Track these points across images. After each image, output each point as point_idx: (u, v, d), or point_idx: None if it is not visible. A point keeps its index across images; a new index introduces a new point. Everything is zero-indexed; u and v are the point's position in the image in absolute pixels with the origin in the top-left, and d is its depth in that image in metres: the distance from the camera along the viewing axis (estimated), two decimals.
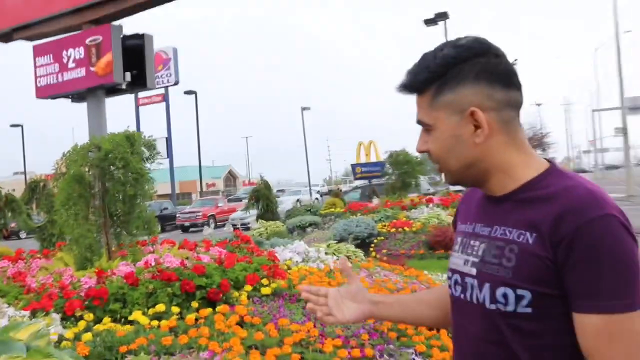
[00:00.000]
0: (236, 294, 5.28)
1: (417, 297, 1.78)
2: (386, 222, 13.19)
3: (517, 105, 1.36)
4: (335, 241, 8.31)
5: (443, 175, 1.44)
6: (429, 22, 28.60)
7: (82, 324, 4.54)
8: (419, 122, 1.39)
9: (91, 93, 13.61)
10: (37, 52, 14.07)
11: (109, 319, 4.69)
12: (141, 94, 46.81)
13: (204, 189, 56.65)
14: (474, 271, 1.35)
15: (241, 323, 4.70)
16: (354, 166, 29.38)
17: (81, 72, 13.55)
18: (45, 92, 14.36)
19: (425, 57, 1.37)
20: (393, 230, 12.56)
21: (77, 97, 14.33)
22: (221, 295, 5.15)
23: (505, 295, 1.26)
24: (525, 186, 1.33)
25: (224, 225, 31.96)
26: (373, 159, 28.55)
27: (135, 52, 13.64)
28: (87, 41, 13.34)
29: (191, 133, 56.20)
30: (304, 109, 48.84)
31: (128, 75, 13.42)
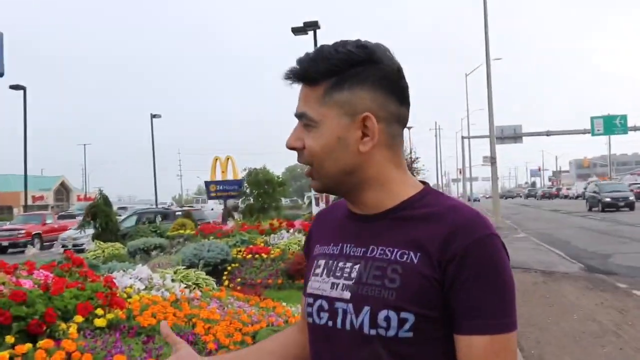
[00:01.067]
0: (64, 326, 4.97)
1: (258, 347, 1.73)
2: (242, 247, 13.13)
3: (404, 123, 1.41)
4: (184, 267, 8.11)
5: (313, 180, 1.43)
6: (297, 31, 29.01)
7: None
8: (301, 115, 1.37)
9: None
10: None
11: None
12: None
13: (30, 202, 53.61)
14: (347, 295, 1.35)
15: None
16: (207, 183, 28.94)
17: None
18: None
19: (323, 49, 1.37)
20: (249, 256, 12.50)
21: None
22: (45, 327, 4.84)
23: (387, 319, 1.28)
24: (404, 204, 1.38)
25: (52, 246, 30.45)
26: (230, 177, 28.34)
27: None
28: None
29: (16, 135, 53.13)
30: (153, 115, 47.55)
31: None
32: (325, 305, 1.39)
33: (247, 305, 7.09)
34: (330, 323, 1.37)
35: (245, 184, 19.76)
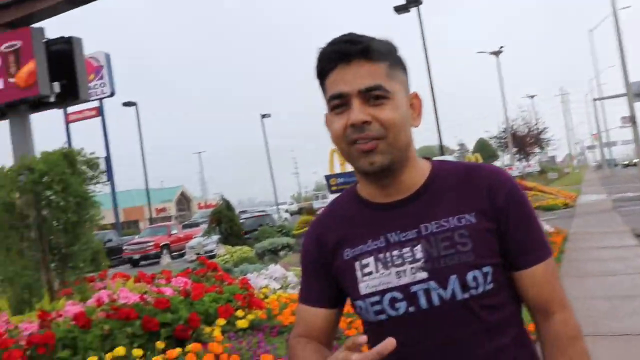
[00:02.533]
0: (208, 329, 5.19)
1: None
2: None
3: None
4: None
5: (378, 155, 1.45)
6: (400, 9, 28.80)
7: None
8: (375, 87, 1.44)
9: (12, 109, 13.10)
10: None
11: None
12: (71, 109, 45.80)
13: (154, 214, 55.96)
14: (423, 275, 1.45)
15: None
16: (328, 177, 29.03)
17: None
18: None
19: (364, 35, 1.50)
20: None
21: None
22: (190, 332, 5.06)
23: (475, 278, 1.43)
24: (430, 179, 1.55)
25: (180, 256, 31.56)
26: (349, 169, 28.32)
27: (62, 59, 13.20)
28: (2, 48, 12.95)
29: (133, 152, 55.58)
30: (263, 116, 48.29)
31: (57, 85, 12.96)
32: (399, 295, 1.47)
33: None
34: (411, 309, 1.46)
35: None
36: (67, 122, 46.81)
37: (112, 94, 43.93)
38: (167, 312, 5.13)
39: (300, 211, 45.80)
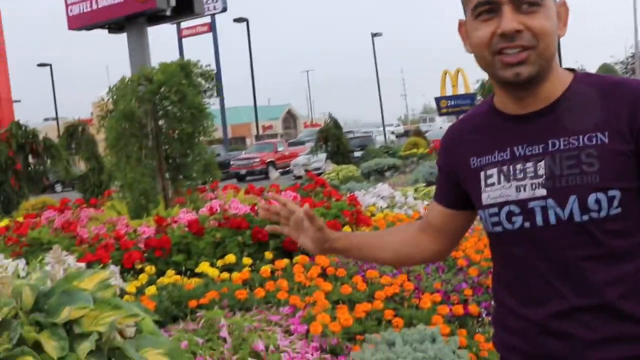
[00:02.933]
0: None
1: (380, 234, 2.02)
2: None
3: None
4: (424, 184, 8.23)
5: (528, 65, 1.42)
6: None
7: (143, 277, 4.67)
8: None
9: (131, 22, 13.45)
10: None
11: (173, 271, 4.80)
12: (184, 24, 46.48)
13: (260, 132, 56.83)
14: (542, 192, 1.43)
15: (324, 275, 4.73)
16: (438, 99, 28.51)
17: None
18: (78, 23, 14.32)
19: None
20: None
21: (114, 27, 14.26)
22: (298, 244, 5.19)
23: (598, 201, 1.38)
24: (567, 93, 1.47)
25: (286, 173, 32.06)
26: (461, 91, 27.69)
27: None
28: None
29: (242, 69, 56.32)
30: (374, 35, 47.55)
31: (173, 0, 13.21)
32: (516, 209, 1.46)
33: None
34: (527, 224, 1.45)
35: (479, 97, 19.13)
36: (180, 38, 47.61)
37: (224, 10, 44.17)
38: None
39: (406, 133, 45.40)
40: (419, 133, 21.30)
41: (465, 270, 5.12)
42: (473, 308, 4.57)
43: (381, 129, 44.50)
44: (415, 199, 7.31)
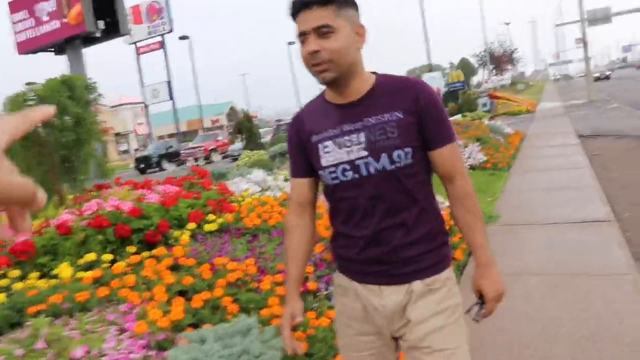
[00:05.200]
0: (178, 233, 4.52)
1: (297, 257, 1.86)
2: None
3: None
4: None
5: (327, 73, 1.60)
6: None
7: (3, 282, 3.80)
8: (323, 26, 1.56)
9: (69, 44, 12.55)
10: (13, 8, 12.95)
11: (37, 273, 3.95)
12: (140, 44, 45.26)
13: (210, 125, 55.48)
14: (364, 153, 1.62)
15: (177, 266, 3.97)
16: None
17: (56, 24, 12.54)
18: (25, 47, 13.33)
19: None
20: None
21: (58, 49, 13.26)
22: (160, 236, 4.40)
23: (399, 155, 1.61)
24: (374, 87, 1.67)
25: (226, 156, 31.21)
26: None
27: (105, 1, 12.48)
28: None
29: (196, 73, 54.89)
30: (290, 43, 47.16)
31: (101, 23, 12.28)
32: (347, 166, 1.64)
33: None
34: (356, 175, 1.64)
35: None
36: (138, 55, 46.03)
37: (170, 30, 43.59)
38: (142, 219, 4.47)
39: None
40: None
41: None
42: (312, 285, 3.88)
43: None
44: (286, 180, 6.57)
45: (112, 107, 63.21)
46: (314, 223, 1.88)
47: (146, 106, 47.50)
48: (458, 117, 19.32)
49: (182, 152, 34.63)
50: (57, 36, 12.41)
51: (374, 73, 1.70)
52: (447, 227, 1.88)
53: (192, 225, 4.60)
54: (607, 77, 66.97)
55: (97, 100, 5.70)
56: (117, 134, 63.88)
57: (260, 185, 6.09)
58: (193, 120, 68.06)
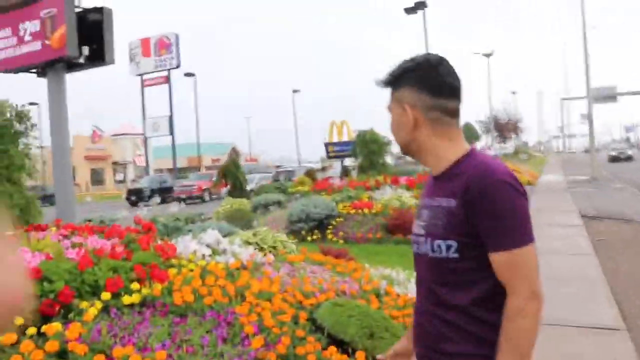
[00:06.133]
0: (85, 304, 3.56)
1: None
2: (348, 202, 11.44)
3: (445, 109, 1.62)
4: (266, 228, 6.57)
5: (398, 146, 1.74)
6: (409, 10, 26.71)
7: None
8: (387, 108, 1.70)
9: (51, 67, 11.81)
10: None
11: None
12: (147, 77, 45.25)
13: (210, 163, 55.07)
14: (423, 231, 1.64)
15: (64, 351, 3.03)
16: (326, 145, 27.39)
17: (37, 45, 11.80)
18: (4, 66, 12.56)
19: (397, 64, 1.68)
20: (353, 211, 10.82)
21: (40, 72, 12.54)
22: (58, 307, 3.45)
23: (439, 246, 1.56)
24: (451, 166, 1.61)
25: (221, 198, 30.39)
26: (345, 139, 26.61)
27: (94, 26, 11.84)
28: (42, 13, 11.58)
29: (199, 111, 54.84)
30: (294, 91, 47.29)
31: (86, 49, 11.57)
32: (415, 238, 1.68)
33: (323, 269, 5.45)
34: (418, 250, 1.67)
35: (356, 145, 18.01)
36: (143, 87, 46.00)
37: (178, 66, 44.10)
38: (44, 282, 3.54)
39: (323, 169, 44.30)
40: (309, 173, 19.76)
41: (251, 339, 3.49)
42: None
43: (304, 165, 44.32)
44: (249, 243, 5.66)
45: (113, 135, 62.79)
46: None
47: (146, 139, 46.99)
48: None
49: (175, 188, 34.03)
50: (38, 58, 11.71)
51: (471, 148, 1.65)
52: None
53: (106, 296, 3.66)
54: (630, 158, 47.39)
55: (30, 130, 4.84)
56: (115, 163, 63.23)
57: (212, 247, 5.18)
58: (194, 157, 67.61)
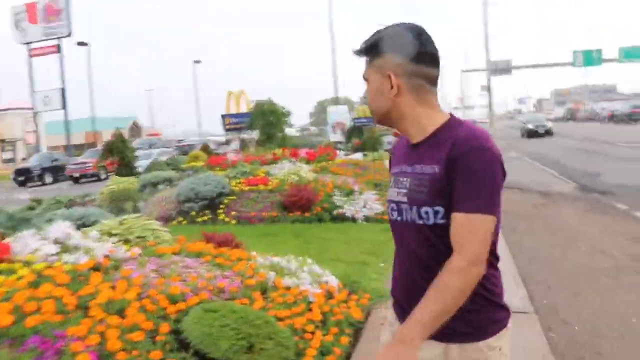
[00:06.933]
0: None
1: None
2: (241, 178, 10.58)
3: (427, 76, 1.63)
4: (139, 215, 5.61)
5: (372, 116, 1.72)
6: None
7: None
8: (363, 77, 1.69)
9: None
10: None
11: None
12: (34, 45, 41.74)
13: (109, 138, 51.87)
14: (405, 199, 1.62)
15: None
16: (223, 116, 25.83)
17: None
18: None
19: (375, 32, 1.67)
20: (247, 189, 10.00)
21: None
22: None
23: (427, 212, 1.56)
24: (433, 134, 1.61)
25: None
26: (245, 110, 25.27)
27: None
28: None
29: (98, 84, 51.42)
30: (195, 62, 45.38)
31: None
32: (395, 206, 1.68)
33: (201, 262, 4.62)
34: (399, 218, 1.66)
35: (253, 116, 17.00)
36: (30, 56, 42.37)
37: (69, 35, 40.70)
38: None
39: (227, 142, 42.90)
40: (205, 148, 18.62)
41: None
42: None
43: (208, 138, 42.64)
44: (111, 234, 4.74)
45: None
46: None
47: (35, 114, 43.52)
48: (358, 155, 18.02)
49: (68, 166, 31.60)
50: None
51: (451, 116, 1.66)
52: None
53: None
54: (548, 132, 38.11)
55: None
56: (2, 141, 58.43)
57: (60, 243, 4.22)
58: (91, 132, 63.81)
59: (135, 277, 3.87)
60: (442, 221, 1.53)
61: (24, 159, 50.09)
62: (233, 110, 25.92)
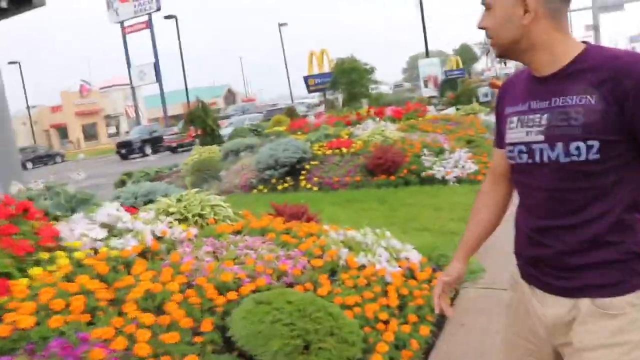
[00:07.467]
0: None
1: (475, 222, 1.80)
2: (324, 142, 10.03)
3: None
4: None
5: (493, 47, 1.52)
6: None
7: None
8: (483, 2, 1.48)
9: None
10: None
11: None
12: (126, 23, 43.16)
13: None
14: (541, 137, 1.45)
15: None
16: (306, 78, 25.05)
17: None
18: None
19: None
20: (329, 152, 9.45)
21: None
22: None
23: (578, 148, 1.38)
24: (571, 63, 1.42)
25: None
26: (326, 70, 24.39)
27: None
28: None
29: (192, 56, 52.74)
30: (281, 24, 45.18)
31: None
32: (524, 148, 1.50)
33: (263, 240, 4.16)
34: (529, 160, 1.50)
35: (334, 75, 16.26)
36: (124, 34, 43.98)
37: (158, 9, 41.65)
38: None
39: (320, 104, 42.59)
40: (290, 111, 18.18)
41: None
42: None
43: (300, 101, 42.64)
44: (169, 213, 4.38)
45: (102, 88, 60.92)
46: (508, 196, 1.76)
47: (133, 88, 45.25)
48: (450, 110, 16.86)
49: (165, 137, 32.66)
50: None
51: (585, 43, 1.47)
52: None
53: None
54: None
55: None
56: (107, 116, 61.63)
57: (109, 226, 3.91)
58: (187, 103, 65.83)
59: (185, 262, 3.48)
60: (595, 156, 1.38)
61: (127, 133, 52.62)
62: (316, 71, 25.26)
